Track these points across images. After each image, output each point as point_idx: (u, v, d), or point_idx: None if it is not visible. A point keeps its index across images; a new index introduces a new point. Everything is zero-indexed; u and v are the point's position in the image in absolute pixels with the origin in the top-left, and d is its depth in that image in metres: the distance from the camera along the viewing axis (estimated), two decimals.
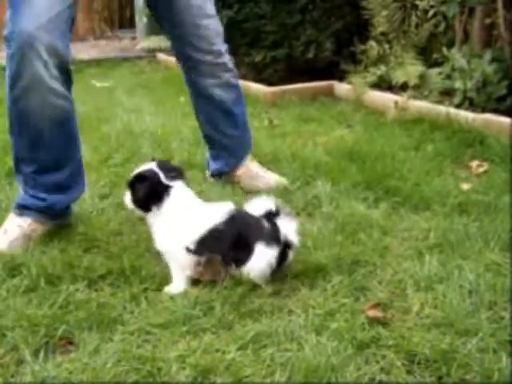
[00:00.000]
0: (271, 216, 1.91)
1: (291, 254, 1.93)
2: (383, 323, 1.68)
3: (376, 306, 1.75)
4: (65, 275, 1.94)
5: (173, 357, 1.55)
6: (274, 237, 1.87)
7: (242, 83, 4.58)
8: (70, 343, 1.64)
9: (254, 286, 1.85)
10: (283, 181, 2.66)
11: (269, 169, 2.80)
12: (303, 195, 2.53)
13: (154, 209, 1.93)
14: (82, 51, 6.86)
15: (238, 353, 1.55)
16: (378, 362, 1.54)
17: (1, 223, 2.27)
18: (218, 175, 2.76)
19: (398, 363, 1.52)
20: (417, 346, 1.57)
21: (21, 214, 2.25)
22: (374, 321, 1.68)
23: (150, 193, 1.91)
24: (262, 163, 2.93)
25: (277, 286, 1.86)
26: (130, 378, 1.48)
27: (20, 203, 2.27)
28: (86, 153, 3.08)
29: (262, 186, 2.60)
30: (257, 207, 1.95)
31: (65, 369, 1.52)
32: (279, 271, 1.89)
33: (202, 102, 2.66)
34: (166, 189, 1.91)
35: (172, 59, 6.15)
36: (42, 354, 1.57)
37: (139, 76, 5.50)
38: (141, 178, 1.93)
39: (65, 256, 2.05)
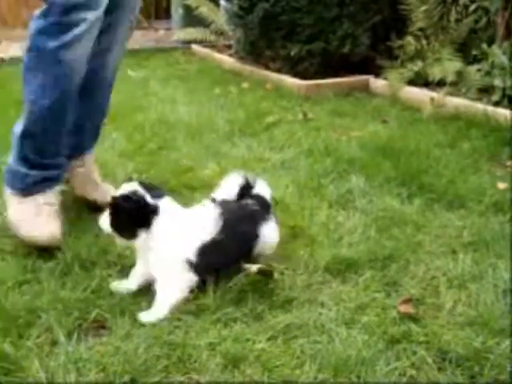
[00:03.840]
0: (246, 191, 1.88)
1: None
2: (415, 319, 1.66)
3: (408, 301, 1.74)
4: (98, 261, 1.97)
5: (203, 344, 1.56)
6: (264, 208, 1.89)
7: (277, 76, 4.61)
8: (103, 327, 1.67)
9: (284, 278, 1.85)
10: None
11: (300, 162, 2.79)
12: (336, 189, 2.51)
13: (143, 234, 1.73)
14: None
15: (268, 343, 1.56)
16: (408, 357, 1.52)
17: None
18: None
19: (429, 360, 1.51)
20: (449, 343, 1.56)
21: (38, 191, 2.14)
22: (405, 316, 1.67)
23: (137, 217, 1.71)
24: (296, 157, 2.93)
25: (308, 279, 1.86)
26: (160, 363, 1.50)
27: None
28: (121, 141, 3.14)
29: (99, 198, 2.29)
30: (230, 188, 1.88)
31: (97, 351, 1.54)
32: None
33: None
34: (154, 210, 1.72)
35: (207, 51, 6.18)
36: (75, 336, 1.60)
37: (174, 67, 5.51)
38: (125, 200, 1.71)
39: (99, 242, 2.08)
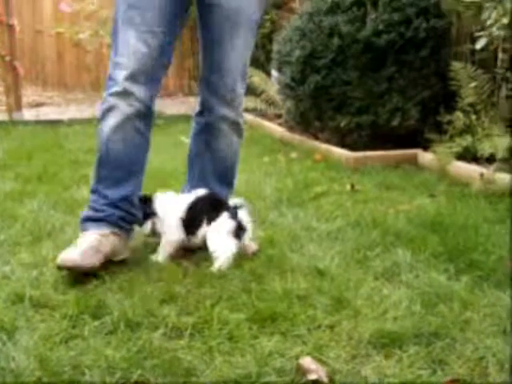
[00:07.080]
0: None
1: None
2: None
3: (455, 381, 1.69)
4: (143, 322, 2.00)
5: None
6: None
7: (326, 147, 4.68)
8: None
9: (328, 350, 1.83)
10: None
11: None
12: (382, 262, 2.50)
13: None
14: (171, 106, 7.16)
15: None
16: None
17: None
18: None
19: None
20: None
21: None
22: None
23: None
24: (342, 228, 2.94)
25: (351, 351, 1.84)
26: None
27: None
28: None
29: None
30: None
31: None
32: None
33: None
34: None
35: (257, 119, 6.33)
36: None
37: None
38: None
39: (145, 303, 2.11)
